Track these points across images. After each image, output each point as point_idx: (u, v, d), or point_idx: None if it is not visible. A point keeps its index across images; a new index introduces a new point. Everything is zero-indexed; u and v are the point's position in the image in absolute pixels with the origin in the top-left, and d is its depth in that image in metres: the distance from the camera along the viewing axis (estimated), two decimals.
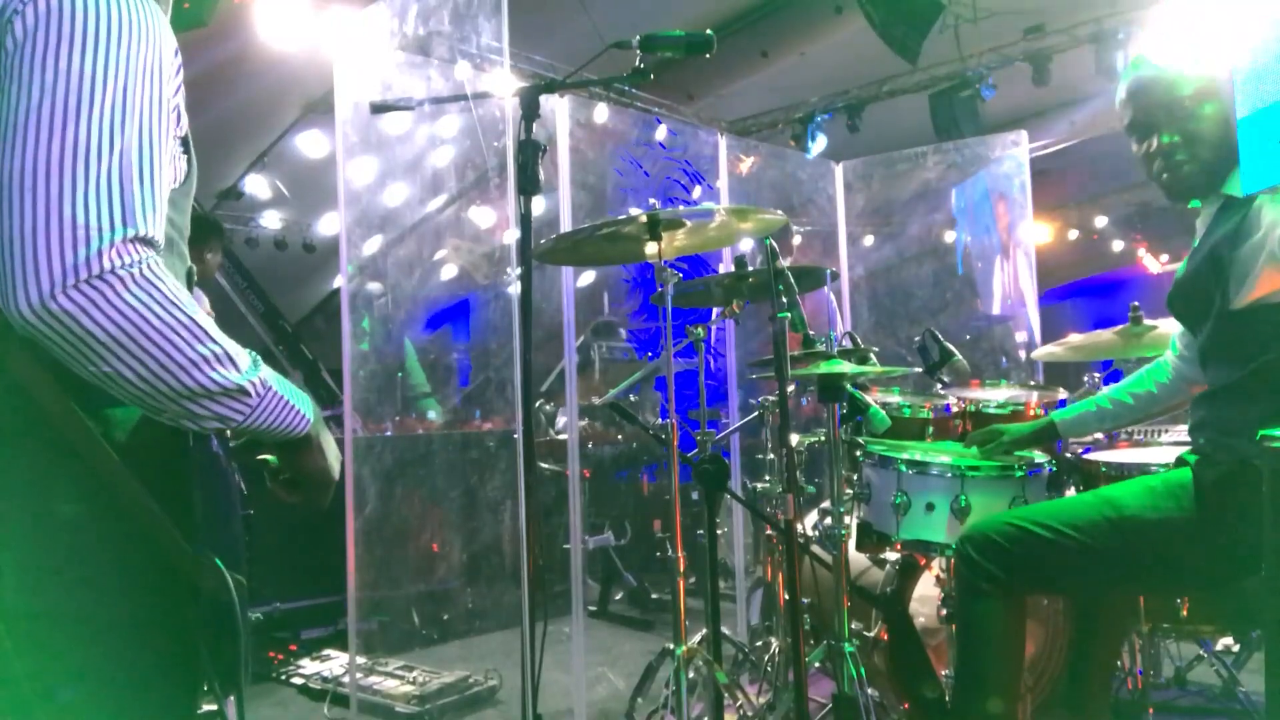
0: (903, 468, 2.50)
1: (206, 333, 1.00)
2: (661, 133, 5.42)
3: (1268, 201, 1.84)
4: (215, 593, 1.07)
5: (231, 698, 1.11)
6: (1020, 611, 2.18)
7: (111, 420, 1.04)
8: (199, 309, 1.01)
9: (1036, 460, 2.50)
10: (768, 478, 3.27)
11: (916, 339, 3.05)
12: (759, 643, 3.32)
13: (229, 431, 1.11)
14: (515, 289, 3.84)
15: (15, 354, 0.99)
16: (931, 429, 2.91)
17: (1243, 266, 1.91)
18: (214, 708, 1.12)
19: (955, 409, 2.92)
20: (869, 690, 2.37)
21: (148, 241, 0.98)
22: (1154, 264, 12.18)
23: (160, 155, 1.02)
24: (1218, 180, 2.03)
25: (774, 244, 2.19)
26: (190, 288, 1.15)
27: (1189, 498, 1.99)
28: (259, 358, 1.07)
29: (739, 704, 2.44)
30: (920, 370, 3.02)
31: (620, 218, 2.28)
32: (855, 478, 2.66)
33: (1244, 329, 1.97)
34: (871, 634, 2.73)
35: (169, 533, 1.05)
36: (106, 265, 0.94)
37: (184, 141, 1.12)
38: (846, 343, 2.90)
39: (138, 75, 1.01)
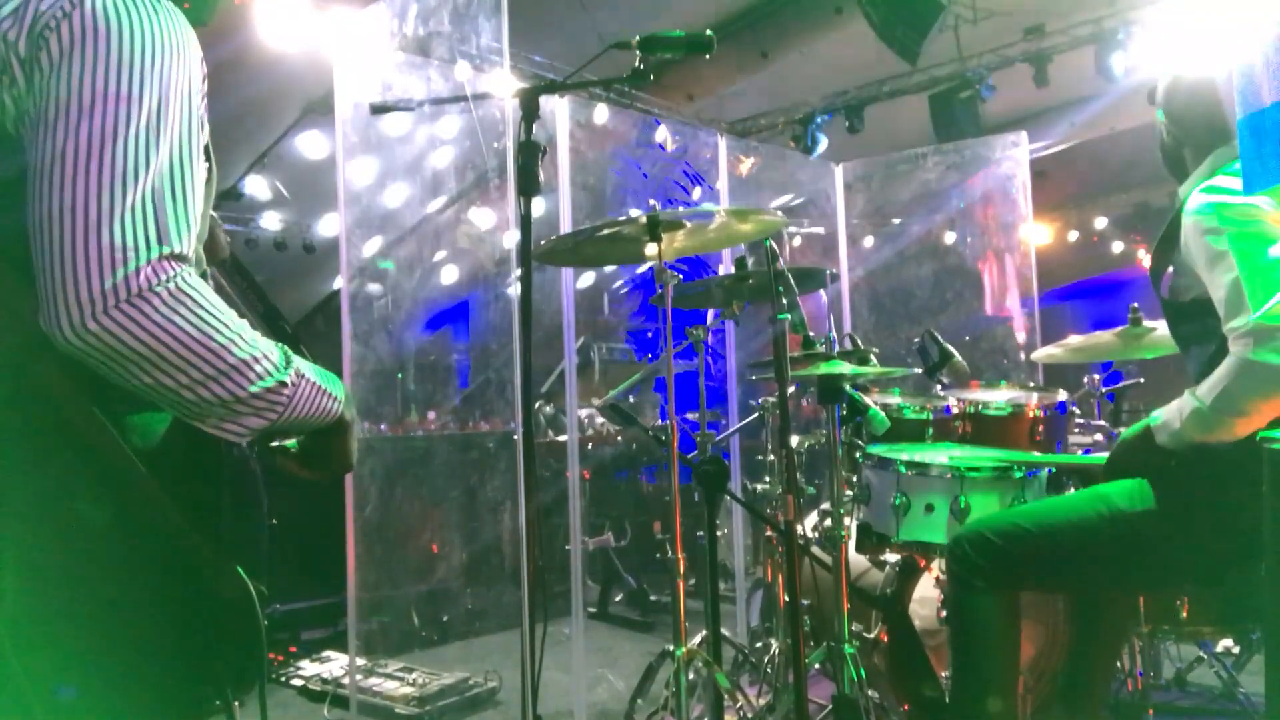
0: (902, 469, 2.50)
1: (241, 336, 1.02)
2: (661, 134, 5.42)
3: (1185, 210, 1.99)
4: (237, 601, 1.07)
5: (238, 703, 1.11)
6: (1014, 608, 2.18)
7: (132, 426, 1.05)
8: (232, 312, 1.03)
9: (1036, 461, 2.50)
10: (767, 479, 3.27)
11: (916, 340, 3.05)
12: (759, 644, 3.32)
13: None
14: (515, 290, 3.83)
15: (39, 360, 1.00)
16: (931, 430, 2.90)
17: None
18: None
19: (955, 410, 2.91)
20: (869, 691, 2.37)
21: (180, 258, 1.00)
22: None
23: (193, 170, 1.04)
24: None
25: (773, 245, 2.19)
26: None
27: (1179, 492, 2.01)
28: (288, 350, 1.09)
29: (739, 705, 2.44)
30: (920, 371, 3.02)
31: (620, 219, 2.28)
32: (855, 479, 2.66)
33: (1174, 322, 2.13)
34: (871, 635, 2.73)
35: (191, 539, 1.05)
36: (142, 285, 0.96)
37: (205, 149, 1.13)
38: (846, 344, 2.90)
39: (171, 92, 1.02)
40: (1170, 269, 2.09)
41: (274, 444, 1.26)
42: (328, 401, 1.14)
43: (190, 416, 1.03)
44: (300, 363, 1.10)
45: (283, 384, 1.05)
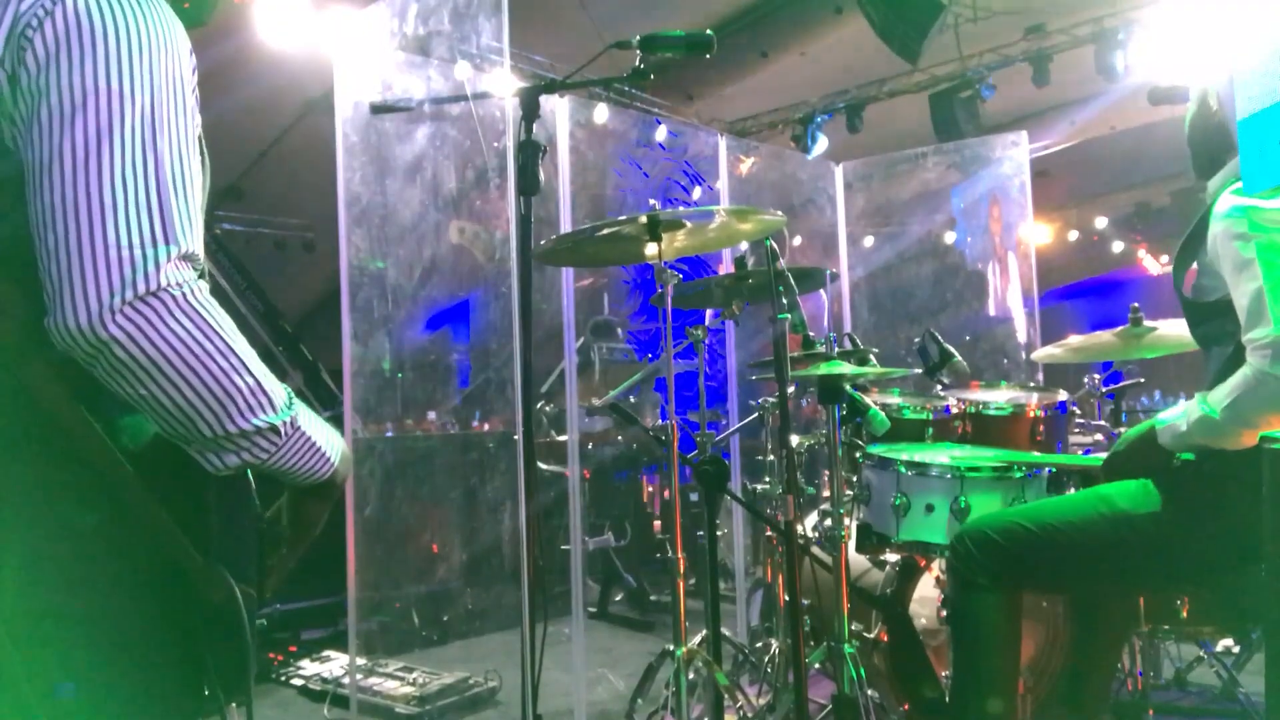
0: (902, 469, 2.50)
1: (245, 365, 1.01)
2: (661, 133, 5.42)
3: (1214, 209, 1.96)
4: (223, 604, 1.07)
5: (234, 705, 1.11)
6: (1016, 607, 2.18)
7: (121, 428, 1.04)
8: (240, 337, 1.01)
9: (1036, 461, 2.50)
10: (767, 479, 3.27)
11: (916, 340, 3.05)
12: (759, 644, 3.32)
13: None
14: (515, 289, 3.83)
15: (28, 362, 0.99)
16: (931, 430, 2.90)
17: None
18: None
19: (955, 410, 2.92)
20: (869, 691, 2.37)
21: (191, 258, 0.99)
22: (1154, 265, 12.19)
23: (190, 164, 1.03)
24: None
25: (774, 245, 2.19)
26: None
27: (1180, 493, 2.01)
28: (294, 395, 1.07)
29: (739, 705, 2.44)
30: (920, 371, 3.02)
31: (620, 218, 2.28)
32: (855, 479, 2.66)
33: (1194, 322, 2.10)
34: (871, 635, 2.73)
35: (179, 542, 1.04)
36: (155, 285, 0.95)
37: (198, 139, 1.13)
38: (846, 344, 2.90)
39: (163, 86, 1.01)
40: (1194, 268, 2.07)
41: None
42: (317, 461, 1.11)
43: (175, 437, 1.01)
44: (303, 414, 1.08)
45: (275, 429, 1.03)
